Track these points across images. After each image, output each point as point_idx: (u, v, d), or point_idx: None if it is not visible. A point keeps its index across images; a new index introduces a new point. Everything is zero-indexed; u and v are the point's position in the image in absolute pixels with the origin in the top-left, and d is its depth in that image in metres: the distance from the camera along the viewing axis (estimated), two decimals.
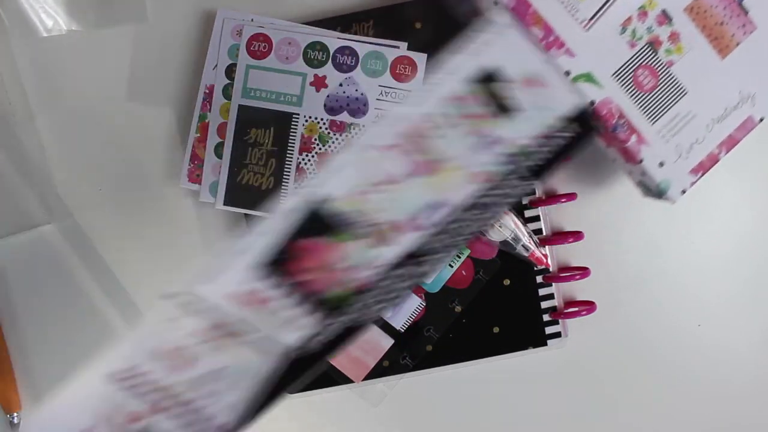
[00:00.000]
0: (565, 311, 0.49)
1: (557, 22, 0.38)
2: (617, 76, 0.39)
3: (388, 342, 0.48)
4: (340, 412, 0.51)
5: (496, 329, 0.49)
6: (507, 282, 0.49)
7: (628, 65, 0.39)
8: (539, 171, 0.33)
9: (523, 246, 0.47)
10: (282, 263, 0.30)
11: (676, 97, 0.40)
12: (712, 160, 0.41)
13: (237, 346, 0.30)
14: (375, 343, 0.48)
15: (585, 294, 0.50)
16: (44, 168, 0.50)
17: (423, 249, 0.31)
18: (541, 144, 0.32)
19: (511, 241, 0.47)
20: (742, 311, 0.51)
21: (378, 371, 0.49)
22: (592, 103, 0.39)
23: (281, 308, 0.30)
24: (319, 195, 0.30)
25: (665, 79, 0.40)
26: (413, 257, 0.31)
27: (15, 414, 0.50)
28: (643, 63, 0.40)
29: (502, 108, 0.32)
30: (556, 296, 0.49)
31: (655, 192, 0.42)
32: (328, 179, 0.30)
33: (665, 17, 0.39)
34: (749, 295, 0.51)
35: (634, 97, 0.40)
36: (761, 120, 0.41)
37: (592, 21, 0.39)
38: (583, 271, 0.48)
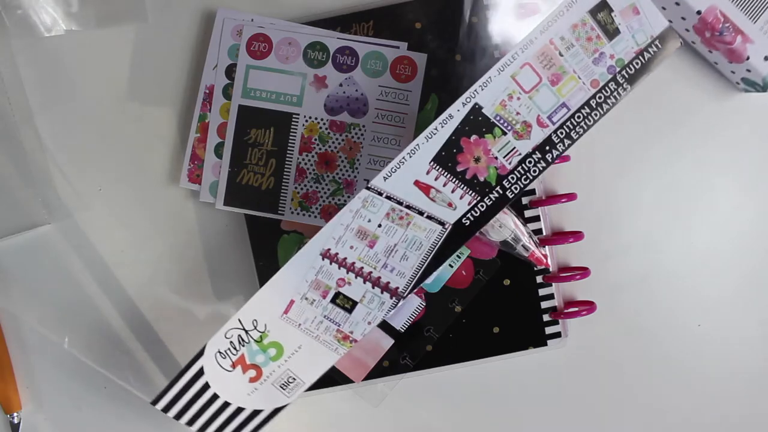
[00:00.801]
0: (565, 311, 0.49)
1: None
2: None
3: (388, 342, 0.48)
4: (340, 412, 0.51)
5: (496, 329, 0.49)
6: (507, 282, 0.49)
7: None
8: (633, 78, 0.40)
9: (523, 246, 0.47)
10: (451, 155, 0.38)
11: None
12: None
13: (410, 226, 0.39)
14: (375, 343, 0.48)
15: (585, 294, 0.50)
16: (44, 168, 0.50)
17: (548, 141, 0.39)
18: (635, 58, 0.39)
19: (511, 241, 0.47)
20: (742, 311, 0.51)
21: (378, 371, 0.49)
22: (699, 12, 0.43)
23: (448, 191, 0.39)
24: (475, 102, 0.38)
25: None
26: (540, 148, 0.39)
27: (15, 414, 0.50)
28: None
29: (607, 32, 0.39)
30: (556, 296, 0.49)
31: (762, 85, 0.46)
32: (479, 92, 0.38)
33: None
34: (749, 295, 0.51)
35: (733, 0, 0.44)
36: None
37: None
38: (583, 271, 0.48)
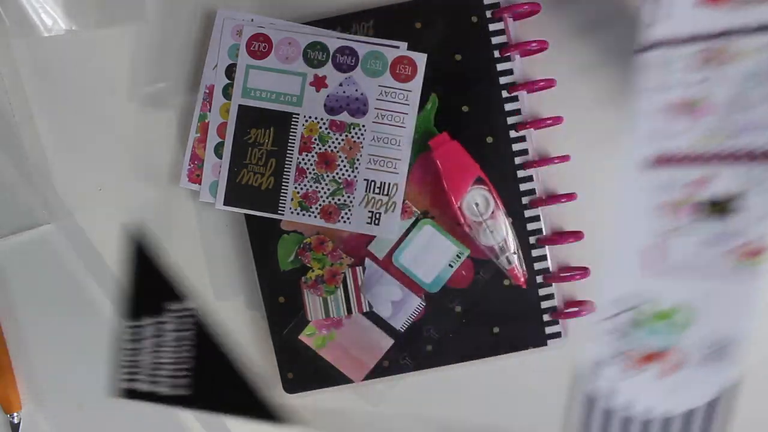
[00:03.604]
0: (565, 311, 0.49)
1: None
2: None
3: (388, 342, 0.48)
4: (340, 412, 0.51)
5: (496, 329, 0.49)
6: (507, 282, 0.49)
7: None
8: None
9: (507, 258, 0.47)
10: None
11: None
12: None
13: (734, 59, 0.26)
14: (375, 343, 0.48)
15: (585, 294, 0.50)
16: (44, 168, 0.50)
17: None
18: None
19: (497, 250, 0.47)
20: None
21: (378, 371, 0.49)
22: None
23: None
24: None
25: None
26: None
27: (15, 414, 0.50)
28: None
29: None
30: (556, 296, 0.49)
31: None
32: None
33: None
34: None
35: None
36: None
37: None
38: (583, 271, 0.48)
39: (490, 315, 0.49)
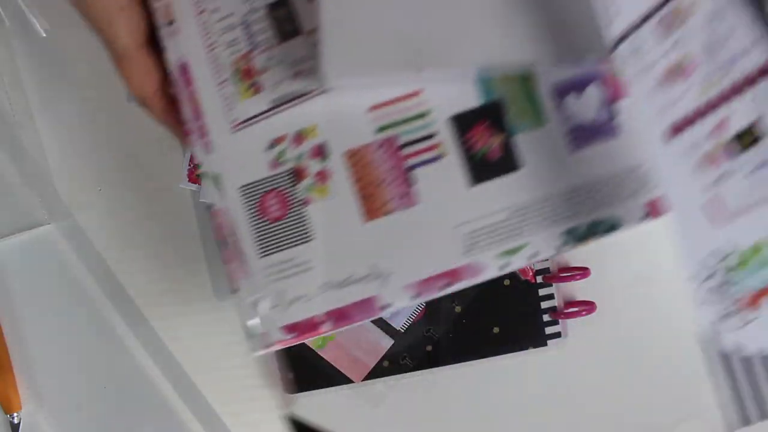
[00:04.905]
0: (565, 311, 0.49)
1: (210, 111, 0.35)
2: (245, 191, 0.35)
3: (388, 342, 0.48)
4: (340, 412, 0.51)
5: (496, 329, 0.49)
6: (507, 282, 0.49)
7: (261, 185, 0.35)
8: None
9: None
10: None
11: (299, 240, 0.35)
12: (311, 327, 0.35)
13: None
14: (375, 343, 0.48)
15: (585, 294, 0.50)
16: (44, 168, 0.50)
17: None
18: None
19: None
20: None
21: (378, 371, 0.49)
22: (210, 206, 0.36)
23: None
24: None
25: (295, 216, 0.35)
26: None
27: (15, 414, 0.50)
28: (278, 189, 0.35)
29: None
30: (556, 296, 0.49)
31: (246, 330, 0.36)
32: None
33: (321, 152, 0.35)
34: None
35: (254, 219, 0.35)
36: (383, 309, 0.34)
37: (243, 125, 0.35)
38: (583, 271, 0.48)
39: (490, 315, 0.49)
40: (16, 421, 0.50)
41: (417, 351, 0.49)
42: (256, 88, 0.35)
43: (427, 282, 0.34)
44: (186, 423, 0.50)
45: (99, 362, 0.50)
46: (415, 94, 0.34)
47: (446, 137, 0.34)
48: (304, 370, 0.49)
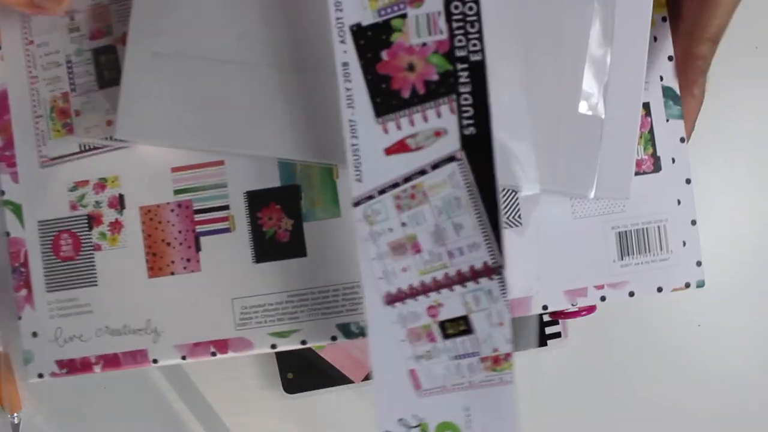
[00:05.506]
0: (565, 311, 0.49)
1: (22, 143, 0.36)
2: (43, 226, 0.36)
3: None
4: (340, 412, 0.51)
5: None
6: None
7: (58, 223, 0.36)
8: None
9: None
10: (386, 92, 0.30)
11: (85, 282, 0.36)
12: (83, 366, 0.38)
13: (428, 194, 0.31)
14: None
15: None
16: None
17: None
18: None
19: None
20: (742, 311, 0.51)
21: None
22: (8, 233, 0.36)
23: (422, 124, 0.31)
24: (352, 25, 0.31)
25: (84, 259, 0.36)
26: None
27: (15, 414, 0.50)
28: (73, 230, 0.36)
29: None
30: None
31: (23, 356, 0.38)
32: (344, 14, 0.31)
33: (119, 203, 0.36)
34: (749, 295, 0.51)
35: (46, 255, 0.36)
36: (154, 362, 0.36)
37: (52, 162, 0.36)
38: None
39: None
40: (16, 421, 0.50)
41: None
42: (69, 129, 0.36)
43: (197, 346, 0.36)
44: (186, 423, 0.50)
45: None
46: (217, 163, 0.35)
47: (238, 211, 0.35)
48: (304, 370, 0.49)
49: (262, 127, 0.33)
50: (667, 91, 0.36)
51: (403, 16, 0.30)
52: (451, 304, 0.31)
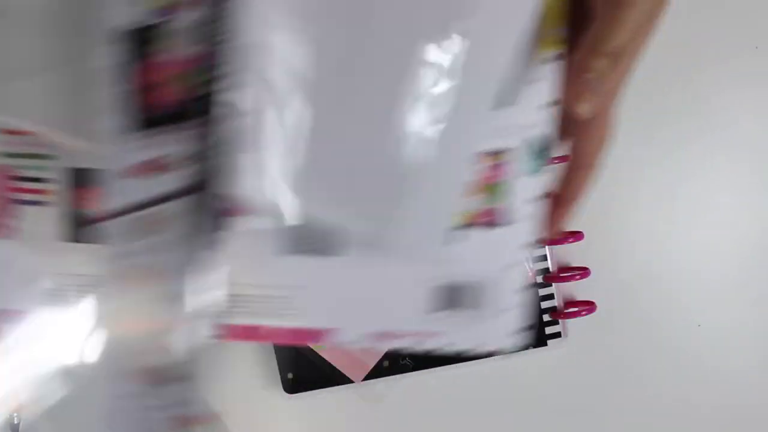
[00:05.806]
0: (565, 311, 0.49)
1: None
2: None
3: None
4: (340, 412, 0.51)
5: None
6: None
7: None
8: None
9: None
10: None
11: None
12: None
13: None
14: None
15: (585, 294, 0.50)
16: None
17: None
18: None
19: None
20: (742, 311, 0.51)
21: (378, 371, 0.49)
22: None
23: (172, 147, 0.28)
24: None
25: None
26: None
27: (15, 414, 0.50)
28: None
29: None
30: (556, 296, 0.49)
31: None
32: None
33: None
34: (749, 295, 0.51)
35: None
36: None
37: None
38: (583, 271, 0.48)
39: None
40: (16, 421, 0.50)
41: (417, 351, 0.49)
42: None
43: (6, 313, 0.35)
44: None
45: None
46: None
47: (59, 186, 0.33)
48: (304, 370, 0.49)
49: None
50: (531, 143, 0.32)
51: (168, 27, 0.27)
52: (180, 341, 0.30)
